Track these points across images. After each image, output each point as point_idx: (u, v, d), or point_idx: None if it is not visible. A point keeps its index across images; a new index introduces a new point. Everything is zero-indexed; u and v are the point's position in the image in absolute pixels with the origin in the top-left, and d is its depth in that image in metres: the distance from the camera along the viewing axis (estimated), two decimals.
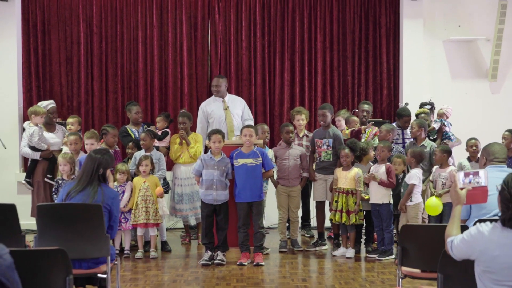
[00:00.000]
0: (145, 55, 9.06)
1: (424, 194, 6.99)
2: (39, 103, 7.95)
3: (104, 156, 4.90)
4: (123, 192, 7.12)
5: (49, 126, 7.89)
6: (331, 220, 7.26)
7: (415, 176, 6.82)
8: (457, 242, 3.21)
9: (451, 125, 8.18)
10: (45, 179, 7.62)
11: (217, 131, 6.89)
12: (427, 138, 7.61)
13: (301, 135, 7.84)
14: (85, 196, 4.76)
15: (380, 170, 6.95)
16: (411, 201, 6.81)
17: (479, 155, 7.54)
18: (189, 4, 9.09)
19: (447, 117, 8.19)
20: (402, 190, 6.93)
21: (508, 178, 3.11)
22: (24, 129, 7.83)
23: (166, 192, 7.61)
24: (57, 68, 8.98)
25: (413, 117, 8.16)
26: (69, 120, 7.92)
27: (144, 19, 9.05)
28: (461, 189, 3.39)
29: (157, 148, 7.70)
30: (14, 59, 8.76)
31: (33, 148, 7.64)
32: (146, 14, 9.05)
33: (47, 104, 7.93)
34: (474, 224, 3.35)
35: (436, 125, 8.05)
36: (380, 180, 6.87)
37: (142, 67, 9.04)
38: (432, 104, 8.49)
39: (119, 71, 9.05)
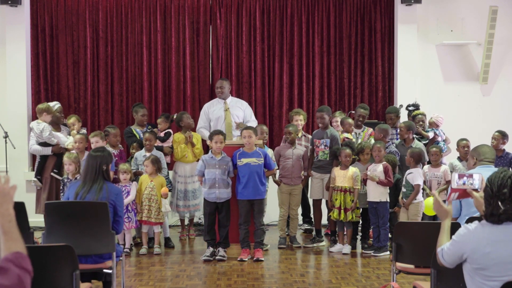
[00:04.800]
0: (149, 58, 9.14)
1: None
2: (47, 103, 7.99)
3: (104, 153, 5.05)
4: (128, 192, 7.14)
5: (56, 126, 7.92)
6: (330, 216, 7.28)
7: (418, 176, 6.89)
8: (447, 247, 3.22)
9: (444, 134, 8.17)
10: (51, 173, 7.61)
11: (219, 132, 7.00)
12: (415, 139, 7.65)
13: (299, 135, 7.91)
14: (92, 195, 4.89)
15: (377, 169, 7.03)
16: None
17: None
18: (192, 10, 9.17)
19: (437, 126, 8.17)
20: (404, 190, 6.96)
21: (492, 175, 3.14)
22: (31, 129, 7.82)
23: (170, 190, 7.67)
24: (64, 71, 9.06)
25: (405, 119, 8.20)
26: (69, 121, 7.93)
27: (148, 24, 9.13)
28: (455, 190, 3.42)
29: (161, 149, 7.78)
30: (23, 62, 8.84)
31: (43, 144, 7.67)
32: (150, 19, 9.13)
33: (54, 104, 7.99)
34: (466, 222, 3.40)
35: (430, 134, 8.04)
36: (378, 179, 6.95)
37: (146, 70, 9.12)
38: (416, 105, 8.49)
39: (124, 74, 9.14)
